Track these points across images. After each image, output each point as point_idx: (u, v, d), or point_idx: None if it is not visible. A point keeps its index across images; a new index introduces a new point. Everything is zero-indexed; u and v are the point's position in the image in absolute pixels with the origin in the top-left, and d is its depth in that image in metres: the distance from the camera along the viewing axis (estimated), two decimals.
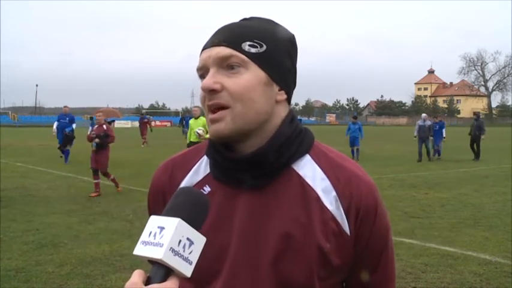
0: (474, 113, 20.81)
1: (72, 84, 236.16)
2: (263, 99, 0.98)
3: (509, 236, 6.46)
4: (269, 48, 0.99)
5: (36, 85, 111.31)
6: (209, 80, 0.96)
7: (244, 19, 1.06)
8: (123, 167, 14.93)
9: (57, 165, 15.30)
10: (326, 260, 0.97)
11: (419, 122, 18.35)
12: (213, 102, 0.97)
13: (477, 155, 18.21)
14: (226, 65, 0.97)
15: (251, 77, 0.96)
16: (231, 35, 0.98)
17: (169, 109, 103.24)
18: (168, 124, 70.87)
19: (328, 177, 1.01)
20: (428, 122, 18.22)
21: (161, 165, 1.15)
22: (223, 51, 0.96)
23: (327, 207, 0.99)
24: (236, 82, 0.96)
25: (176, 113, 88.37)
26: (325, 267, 0.98)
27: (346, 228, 0.99)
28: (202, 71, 1.00)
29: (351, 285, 1.07)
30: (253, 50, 0.97)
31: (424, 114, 19.41)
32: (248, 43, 0.97)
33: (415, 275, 4.91)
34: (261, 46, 0.98)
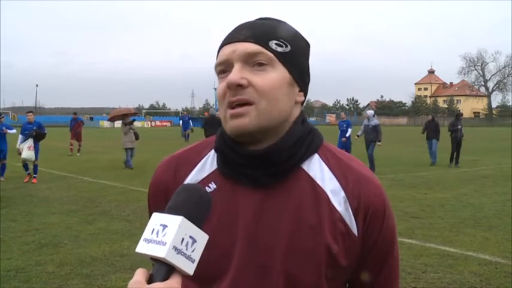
0: (431, 115, 17.59)
1: (73, 84, 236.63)
2: (286, 98, 0.98)
3: (509, 236, 6.46)
4: (293, 49, 0.99)
5: (37, 85, 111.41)
6: (236, 75, 0.94)
7: (261, 19, 1.05)
8: (123, 167, 14.92)
9: (57, 165, 15.30)
10: (334, 261, 0.97)
11: (364, 121, 15.01)
12: (238, 98, 0.95)
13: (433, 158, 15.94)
14: (252, 62, 0.96)
15: (277, 75, 0.96)
16: (257, 32, 0.98)
17: (169, 109, 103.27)
18: (168, 124, 70.90)
19: (336, 177, 1.01)
20: (376, 121, 14.69)
21: (163, 161, 1.13)
22: (251, 47, 0.95)
23: (335, 208, 0.98)
24: (263, 79, 0.95)
25: (176, 113, 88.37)
26: (333, 267, 0.97)
27: (354, 229, 0.99)
28: (224, 66, 0.98)
29: (355, 285, 1.07)
30: (279, 49, 0.97)
31: (369, 111, 15.49)
32: (275, 42, 0.97)
33: (415, 275, 4.91)
34: (286, 46, 0.98)
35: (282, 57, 0.97)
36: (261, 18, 1.05)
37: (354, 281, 1.06)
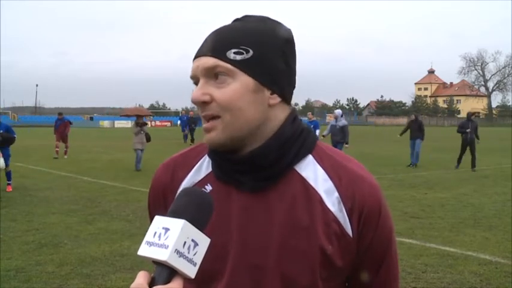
0: (413, 114, 16.67)
1: (73, 84, 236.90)
2: (253, 106, 0.96)
3: (509, 236, 6.46)
4: (256, 53, 0.96)
5: (37, 85, 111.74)
6: (197, 92, 0.96)
7: (237, 20, 1.03)
8: (123, 167, 14.93)
9: (57, 165, 15.30)
10: (329, 262, 0.97)
11: (331, 121, 14.24)
12: (205, 113, 0.97)
13: (415, 159, 15.47)
14: (213, 75, 0.96)
15: (238, 85, 0.95)
16: (216, 44, 0.97)
17: (169, 109, 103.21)
18: (168, 124, 70.85)
19: (330, 178, 1.00)
20: (344, 122, 13.96)
21: (162, 164, 1.15)
22: (209, 61, 0.95)
23: (329, 209, 0.98)
24: (223, 92, 0.95)
25: (176, 113, 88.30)
26: (328, 268, 0.97)
27: (348, 230, 0.98)
28: (194, 81, 1.00)
29: (353, 285, 1.07)
30: (238, 58, 0.95)
31: (337, 111, 14.63)
32: (233, 50, 0.95)
33: (415, 275, 4.92)
34: (247, 52, 0.95)
35: (242, 66, 0.95)
36: (237, 20, 1.04)
37: (353, 281, 1.06)
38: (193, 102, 0.97)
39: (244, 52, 0.96)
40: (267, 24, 1.01)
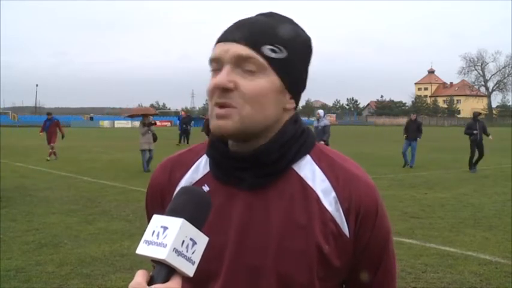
0: (413, 114, 16.61)
1: (73, 84, 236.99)
2: (273, 105, 0.96)
3: (509, 236, 6.46)
4: (289, 55, 0.96)
5: (37, 85, 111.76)
6: (224, 78, 0.93)
7: (263, 14, 1.01)
8: (123, 167, 14.93)
9: (57, 165, 15.29)
10: (326, 261, 0.97)
11: (314, 122, 14.02)
12: (223, 101, 0.94)
13: (411, 161, 15.32)
14: (243, 65, 0.94)
15: (266, 82, 0.94)
16: (252, 34, 0.94)
17: (169, 109, 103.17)
18: (168, 124, 70.79)
19: (328, 178, 1.00)
20: (326, 122, 13.75)
21: (160, 164, 1.14)
22: (244, 51, 0.93)
23: (326, 208, 0.98)
24: (251, 85, 0.93)
25: (176, 113, 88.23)
26: (325, 268, 0.97)
27: (345, 229, 0.98)
28: (216, 64, 0.97)
29: (351, 286, 1.07)
30: (273, 55, 0.94)
31: (320, 111, 14.37)
32: (269, 47, 0.94)
33: (415, 275, 4.91)
34: (281, 51, 0.95)
35: (274, 64, 0.94)
36: (263, 14, 1.02)
37: (350, 281, 1.06)
38: (217, 86, 0.93)
39: (279, 51, 0.95)
40: (295, 27, 1.01)
